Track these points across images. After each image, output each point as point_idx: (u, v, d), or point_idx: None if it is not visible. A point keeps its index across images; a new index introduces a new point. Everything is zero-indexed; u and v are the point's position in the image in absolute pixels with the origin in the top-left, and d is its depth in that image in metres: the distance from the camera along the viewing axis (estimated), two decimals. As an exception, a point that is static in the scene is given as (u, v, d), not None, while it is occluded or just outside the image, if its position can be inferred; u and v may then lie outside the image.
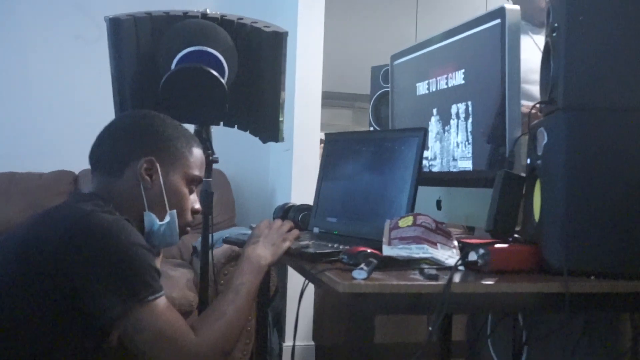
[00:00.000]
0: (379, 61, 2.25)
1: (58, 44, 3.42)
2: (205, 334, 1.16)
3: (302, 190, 3.00)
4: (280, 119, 1.77)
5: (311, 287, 2.88)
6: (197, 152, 1.34)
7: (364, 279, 1.06)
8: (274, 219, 1.54)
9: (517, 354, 1.76)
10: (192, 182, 1.33)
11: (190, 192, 1.34)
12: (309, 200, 1.76)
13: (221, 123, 1.85)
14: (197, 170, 1.33)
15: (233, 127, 1.88)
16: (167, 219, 1.28)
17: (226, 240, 1.64)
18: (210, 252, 1.84)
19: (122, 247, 1.11)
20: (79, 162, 3.21)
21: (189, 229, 1.35)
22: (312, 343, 3.08)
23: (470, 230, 1.74)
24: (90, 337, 1.16)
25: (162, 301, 1.14)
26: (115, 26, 1.66)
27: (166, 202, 1.27)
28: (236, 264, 2.70)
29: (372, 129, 2.22)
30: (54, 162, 3.28)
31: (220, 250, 2.72)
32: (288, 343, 3.03)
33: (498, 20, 1.39)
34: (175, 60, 1.58)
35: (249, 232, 1.42)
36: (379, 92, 2.16)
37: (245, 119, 1.84)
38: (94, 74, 3.33)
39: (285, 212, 1.80)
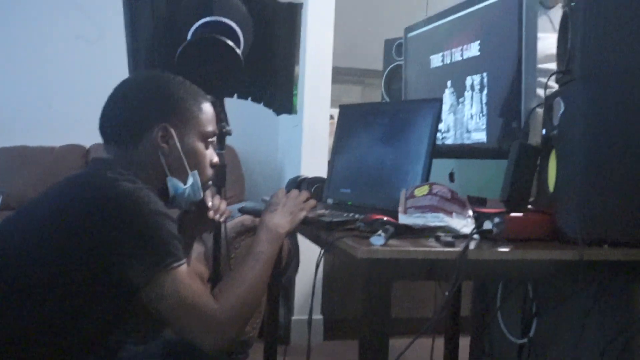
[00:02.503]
0: (389, 35, 2.25)
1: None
2: (227, 301, 1.18)
3: (312, 165, 3.01)
4: (295, 91, 1.78)
5: (316, 260, 2.91)
6: (207, 108, 1.33)
7: (382, 245, 1.08)
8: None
9: (527, 326, 1.78)
10: (207, 138, 1.33)
11: (206, 148, 1.34)
12: (319, 175, 1.78)
13: (235, 95, 1.86)
14: (210, 125, 1.33)
15: (247, 98, 1.89)
16: (189, 180, 1.29)
17: (242, 210, 1.66)
18: (223, 225, 1.86)
19: (145, 215, 1.12)
20: (89, 136, 3.27)
21: (210, 182, 1.36)
22: (321, 316, 3.12)
23: (482, 203, 1.75)
24: (115, 303, 1.18)
25: (184, 268, 1.15)
26: (130, -2, 1.66)
27: (186, 165, 1.28)
28: (246, 237, 2.77)
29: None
30: (65, 136, 3.31)
31: (230, 224, 2.74)
32: (296, 317, 3.07)
33: (515, -9, 1.38)
34: (191, 31, 1.58)
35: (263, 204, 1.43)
36: (392, 65, 2.16)
37: (259, 91, 1.85)
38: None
39: (298, 184, 1.81)
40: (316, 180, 1.80)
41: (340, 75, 3.26)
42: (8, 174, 3.10)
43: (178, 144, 1.27)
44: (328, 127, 3.17)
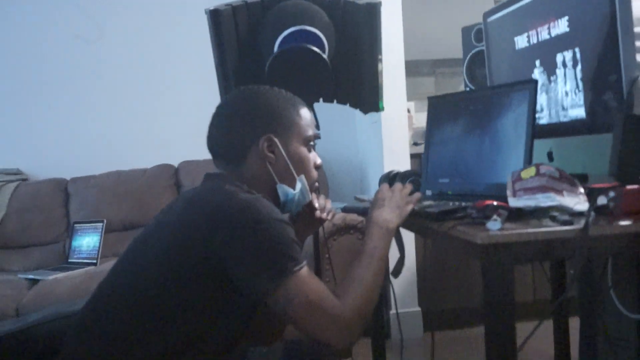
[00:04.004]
0: (459, 23, 2.24)
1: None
2: (349, 300, 1.20)
3: (394, 160, 3.02)
4: (380, 88, 1.80)
5: (411, 254, 2.92)
6: (305, 113, 1.38)
7: (499, 230, 1.08)
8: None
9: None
10: (309, 141, 1.38)
11: (309, 151, 1.39)
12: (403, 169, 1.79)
13: (320, 99, 1.90)
14: (310, 130, 1.38)
15: (332, 101, 1.93)
16: (298, 185, 1.35)
17: (345, 209, 1.69)
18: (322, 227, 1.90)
19: (266, 224, 1.17)
20: (177, 155, 3.42)
21: (317, 184, 1.41)
22: (419, 309, 3.12)
23: (584, 179, 1.72)
24: (244, 313, 1.24)
25: (305, 271, 1.19)
26: (215, 17, 1.73)
27: (293, 171, 1.34)
28: (338, 237, 2.81)
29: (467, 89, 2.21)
30: (155, 156, 3.47)
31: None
32: (394, 310, 3.08)
33: (603, -39, 1.35)
34: (278, 42, 1.63)
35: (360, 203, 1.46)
36: (472, 52, 2.14)
37: (345, 93, 1.88)
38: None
39: (392, 179, 1.82)
40: (409, 173, 1.81)
41: (411, 67, 3.25)
42: (107, 199, 3.27)
43: (283, 152, 1.33)
44: (406, 121, 3.17)
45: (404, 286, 3.06)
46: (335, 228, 2.80)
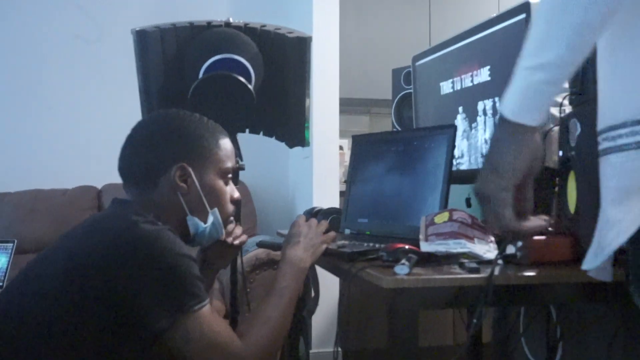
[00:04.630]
0: (393, 65, 2.27)
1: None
2: (252, 340, 1.16)
3: (324, 196, 3.02)
4: (306, 123, 1.79)
5: (334, 292, 2.90)
6: (225, 144, 1.32)
7: (407, 274, 1.07)
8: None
9: (552, 351, 1.75)
10: (226, 174, 1.32)
11: (226, 184, 1.32)
12: (331, 206, 1.78)
13: (246, 130, 1.87)
14: (229, 162, 1.32)
15: (259, 133, 1.90)
16: (210, 219, 1.28)
17: (260, 244, 1.65)
18: (240, 259, 1.85)
19: (167, 258, 1.11)
20: (101, 177, 3.29)
21: (231, 218, 1.35)
22: (339, 349, 3.08)
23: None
24: (138, 348, 1.17)
25: (207, 309, 1.14)
26: (142, 38, 1.69)
27: (205, 203, 1.27)
28: (261, 271, 2.76)
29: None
30: (76, 178, 3.32)
31: (245, 259, 2.73)
32: (315, 350, 3.03)
33: (523, 15, 1.40)
34: (203, 69, 1.59)
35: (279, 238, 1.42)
36: (401, 94, 2.17)
37: (271, 125, 1.86)
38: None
39: (314, 215, 1.80)
40: (331, 211, 1.80)
41: (346, 106, 3.28)
42: (22, 218, 3.11)
43: (197, 183, 1.26)
44: (338, 158, 3.18)
45: (324, 325, 3.02)
46: (259, 262, 2.74)
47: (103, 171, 3.23)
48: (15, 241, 2.87)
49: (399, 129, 2.19)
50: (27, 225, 3.08)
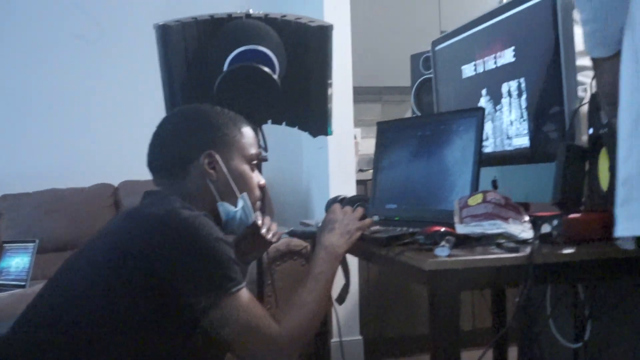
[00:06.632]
0: (404, 51, 2.27)
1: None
2: (289, 324, 1.18)
3: (341, 185, 3.02)
4: (329, 112, 1.79)
5: (354, 280, 2.90)
6: (247, 131, 1.37)
7: (447, 256, 1.08)
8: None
9: (581, 330, 1.76)
10: (251, 160, 1.36)
11: (252, 170, 1.36)
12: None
13: (269, 121, 1.88)
14: (252, 148, 1.36)
15: (281, 123, 1.91)
16: (240, 203, 1.32)
17: (291, 233, 1.66)
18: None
19: (204, 242, 1.14)
20: (117, 174, 3.30)
21: (259, 203, 1.38)
22: (360, 337, 3.10)
23: (525, 208, 1.74)
24: (180, 333, 1.18)
25: (244, 292, 1.16)
26: (164, 32, 1.69)
27: (234, 188, 1.31)
28: (281, 263, 2.77)
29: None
30: (92, 176, 3.34)
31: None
32: (335, 339, 3.04)
33: (549, -6, 1.39)
34: (228, 61, 1.60)
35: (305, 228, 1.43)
36: (420, 79, 2.17)
37: (294, 115, 1.87)
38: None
39: (339, 204, 1.81)
40: (356, 198, 1.80)
41: (358, 94, 3.28)
42: (41, 218, 3.13)
43: (224, 169, 1.30)
44: (353, 147, 3.18)
45: (346, 314, 3.03)
46: (279, 254, 2.76)
47: (118, 169, 3.28)
48: (37, 241, 2.89)
49: (419, 114, 2.19)
50: (47, 224, 3.11)
